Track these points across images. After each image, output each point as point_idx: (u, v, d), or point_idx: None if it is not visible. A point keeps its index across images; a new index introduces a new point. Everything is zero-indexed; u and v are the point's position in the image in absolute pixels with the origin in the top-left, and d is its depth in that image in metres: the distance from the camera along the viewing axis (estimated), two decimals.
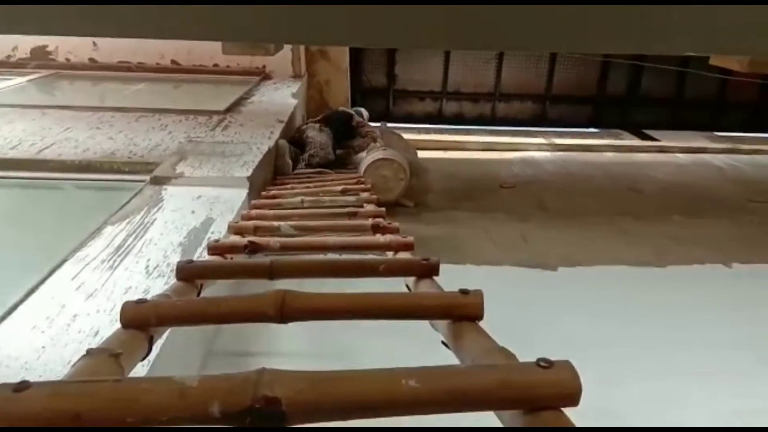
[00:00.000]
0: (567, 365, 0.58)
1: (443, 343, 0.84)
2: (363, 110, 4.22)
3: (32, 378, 1.02)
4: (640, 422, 1.51)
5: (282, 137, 3.05)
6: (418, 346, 1.05)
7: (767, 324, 2.04)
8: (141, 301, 0.85)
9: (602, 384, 1.05)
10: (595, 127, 5.63)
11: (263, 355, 1.71)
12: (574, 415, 0.58)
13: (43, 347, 1.17)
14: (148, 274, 1.52)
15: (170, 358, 1.22)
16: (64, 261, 1.56)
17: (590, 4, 0.84)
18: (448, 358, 0.78)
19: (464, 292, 0.84)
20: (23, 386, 0.56)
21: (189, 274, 1.08)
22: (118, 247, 1.66)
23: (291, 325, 0.86)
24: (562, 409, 0.57)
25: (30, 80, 3.97)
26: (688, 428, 1.32)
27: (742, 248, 2.73)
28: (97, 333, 1.22)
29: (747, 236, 2.92)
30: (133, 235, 1.75)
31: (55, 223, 2.03)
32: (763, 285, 2.37)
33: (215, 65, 4.47)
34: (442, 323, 0.85)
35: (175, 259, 1.59)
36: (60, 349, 1.16)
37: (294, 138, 3.41)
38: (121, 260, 1.59)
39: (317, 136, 3.33)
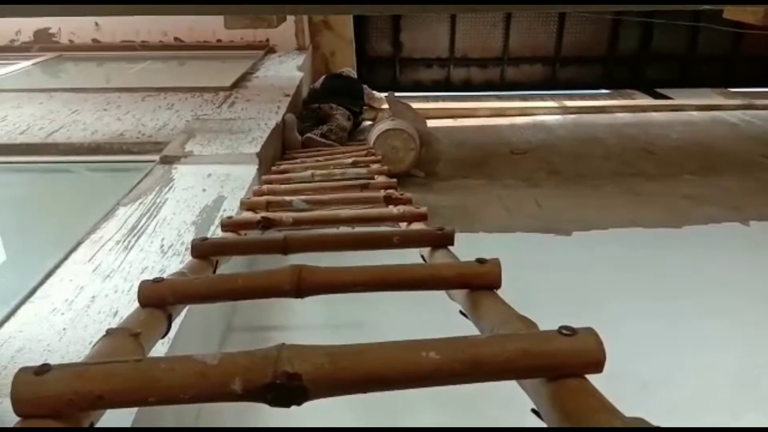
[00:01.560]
0: (591, 332, 0.57)
1: (462, 312, 0.83)
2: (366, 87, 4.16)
3: (55, 360, 1.03)
4: (664, 388, 1.51)
5: (289, 111, 3.02)
6: (436, 317, 1.05)
7: None
8: (158, 280, 0.85)
9: (622, 348, 1.05)
10: (606, 87, 5.52)
11: (282, 329, 1.73)
12: (596, 380, 0.58)
13: (64, 329, 1.18)
14: (163, 253, 1.53)
15: (190, 335, 1.23)
16: (79, 243, 1.57)
17: None
18: (468, 328, 0.77)
19: (481, 261, 0.83)
20: (44, 369, 0.56)
21: (204, 251, 1.08)
22: (132, 228, 1.67)
23: (308, 297, 0.86)
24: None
25: (35, 63, 3.95)
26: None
27: (758, 205, 2.68)
28: (116, 313, 1.24)
29: (762, 193, 2.87)
30: (146, 215, 1.76)
31: (67, 206, 2.04)
32: None
33: (218, 41, 4.42)
34: (460, 293, 0.84)
35: (189, 237, 1.60)
36: (80, 330, 1.18)
37: (309, 107, 3.42)
38: (136, 241, 1.59)
39: (343, 121, 3.38)
